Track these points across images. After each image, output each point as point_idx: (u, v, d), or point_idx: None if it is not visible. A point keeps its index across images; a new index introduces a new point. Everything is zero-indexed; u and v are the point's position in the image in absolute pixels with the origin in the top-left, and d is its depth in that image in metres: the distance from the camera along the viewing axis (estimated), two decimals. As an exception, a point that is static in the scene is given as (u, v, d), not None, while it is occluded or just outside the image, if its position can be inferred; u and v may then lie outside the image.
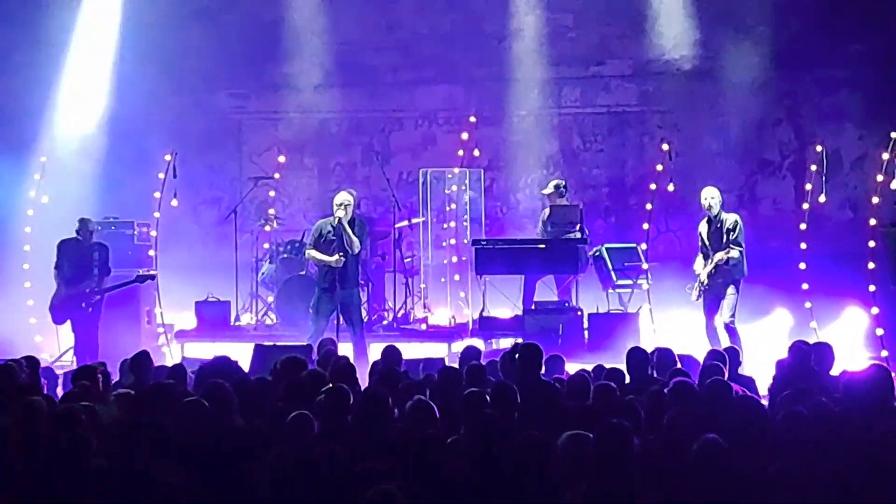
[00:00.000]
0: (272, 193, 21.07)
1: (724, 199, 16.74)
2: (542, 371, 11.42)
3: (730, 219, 16.31)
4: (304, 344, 14.98)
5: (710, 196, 16.33)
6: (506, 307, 18.04)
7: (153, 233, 19.00)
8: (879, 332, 17.58)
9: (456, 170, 19.96)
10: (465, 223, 19.82)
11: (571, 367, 12.58)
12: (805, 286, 18.31)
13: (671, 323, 17.52)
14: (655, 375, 11.44)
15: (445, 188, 20.10)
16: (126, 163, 19.94)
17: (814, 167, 18.71)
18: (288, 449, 8.39)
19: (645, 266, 18.14)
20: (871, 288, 17.97)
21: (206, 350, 16.75)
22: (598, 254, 18.09)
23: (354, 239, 16.00)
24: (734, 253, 16.02)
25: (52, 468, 8.23)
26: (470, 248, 18.60)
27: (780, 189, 20.60)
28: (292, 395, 10.30)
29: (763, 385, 11.86)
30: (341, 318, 16.19)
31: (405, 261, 18.77)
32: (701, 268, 16.29)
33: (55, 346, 18.51)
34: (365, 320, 16.93)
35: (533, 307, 17.58)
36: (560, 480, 7.69)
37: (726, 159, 20.59)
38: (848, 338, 17.44)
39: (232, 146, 22.04)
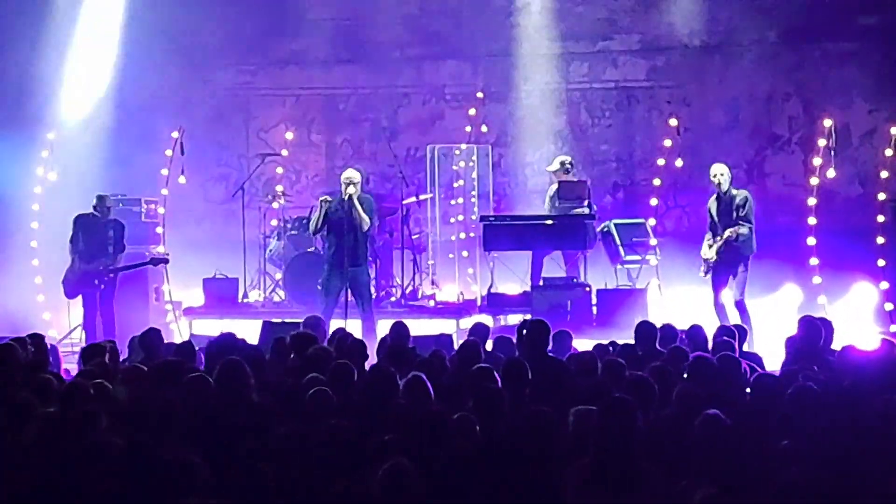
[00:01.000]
0: (280, 170, 21.05)
1: (733, 175, 16.71)
2: (550, 347, 11.41)
3: (739, 195, 16.27)
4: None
5: (720, 172, 16.29)
6: (514, 283, 18.04)
7: (161, 210, 19.01)
8: (889, 306, 17.59)
9: (463, 146, 19.96)
10: (472, 199, 19.83)
11: (579, 343, 12.59)
12: (814, 261, 18.30)
13: (679, 298, 17.50)
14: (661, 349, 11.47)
15: (453, 164, 20.09)
16: (134, 140, 19.93)
17: (822, 142, 18.68)
18: (295, 425, 8.40)
19: (653, 242, 18.12)
20: (881, 263, 17.99)
21: (214, 327, 16.75)
22: (606, 229, 18.07)
23: (364, 216, 15.97)
24: (743, 230, 15.98)
25: (61, 445, 8.23)
26: (478, 224, 18.60)
27: (788, 164, 20.55)
28: (300, 370, 10.30)
29: (770, 362, 11.85)
30: (350, 295, 16.19)
31: (413, 237, 18.75)
32: (710, 244, 16.26)
33: (64, 324, 18.54)
34: (373, 297, 16.91)
35: (541, 283, 17.57)
36: (565, 455, 7.69)
37: (735, 134, 20.54)
38: (857, 313, 17.44)
39: (239, 122, 22.02)
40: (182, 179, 18.86)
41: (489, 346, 11.98)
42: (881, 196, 18.49)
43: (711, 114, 20.60)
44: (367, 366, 10.83)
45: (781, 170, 20.59)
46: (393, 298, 18.27)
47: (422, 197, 19.49)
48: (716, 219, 16.27)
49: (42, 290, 19.42)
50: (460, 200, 19.67)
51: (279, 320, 15.68)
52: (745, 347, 12.31)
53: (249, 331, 14.17)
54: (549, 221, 17.64)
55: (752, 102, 20.50)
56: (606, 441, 7.40)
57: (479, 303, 18.01)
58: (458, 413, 8.38)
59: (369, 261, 16.97)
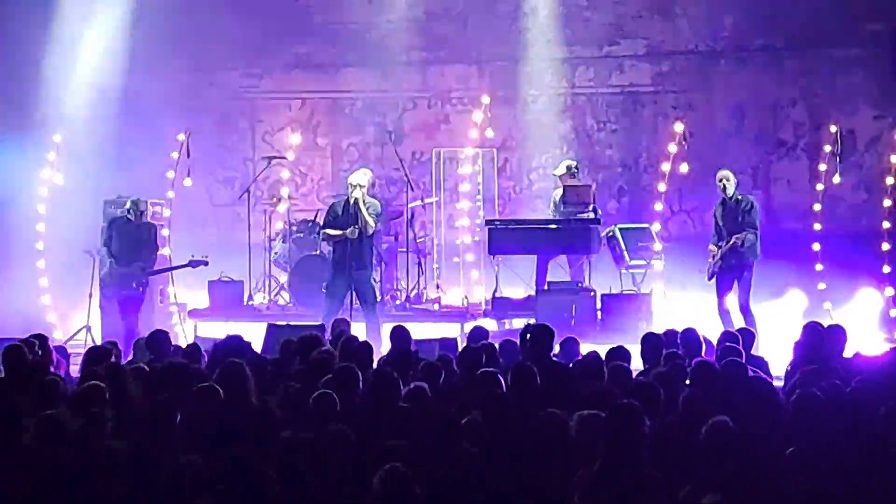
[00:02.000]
0: (285, 173, 21.06)
1: (739, 180, 16.73)
2: (556, 352, 11.42)
3: (745, 200, 16.30)
4: (318, 324, 14.98)
5: (725, 178, 16.33)
6: (518, 287, 18.04)
7: (167, 212, 19.02)
8: (894, 313, 17.58)
9: (469, 150, 19.94)
10: (478, 203, 19.81)
11: (584, 349, 12.57)
12: (819, 267, 18.31)
13: (684, 304, 17.50)
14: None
15: (459, 168, 20.10)
16: (140, 142, 19.92)
17: (828, 148, 18.69)
18: (299, 429, 8.41)
19: (658, 247, 18.12)
20: (886, 269, 17.98)
21: (219, 329, 16.77)
22: (611, 234, 18.07)
23: (370, 220, 15.99)
24: (750, 236, 16.00)
25: (66, 447, 8.24)
26: (483, 228, 18.61)
27: (794, 170, 20.52)
28: (305, 374, 10.31)
29: (776, 367, 11.85)
30: (355, 298, 16.22)
31: (418, 241, 18.76)
32: (715, 250, 16.28)
33: (69, 326, 18.58)
34: (378, 300, 16.92)
35: (546, 287, 17.57)
36: (572, 460, 7.70)
37: (740, 140, 20.52)
38: (862, 319, 17.43)
39: (245, 126, 22.02)
40: (188, 182, 18.87)
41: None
42: (886, 202, 18.50)
43: (717, 119, 20.59)
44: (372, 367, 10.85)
45: (787, 175, 20.56)
46: (398, 302, 18.28)
47: (427, 201, 19.51)
48: (721, 224, 16.30)
49: (48, 292, 19.44)
50: (466, 204, 19.66)
51: (284, 323, 15.70)
52: (752, 352, 12.28)
53: (254, 333, 14.17)
54: (555, 226, 17.65)
55: (758, 108, 20.49)
56: (614, 447, 7.41)
57: (483, 306, 18.01)
58: (466, 417, 8.39)
59: (374, 264, 16.99)
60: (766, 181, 20.51)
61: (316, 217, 18.75)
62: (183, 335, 17.70)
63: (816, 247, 18.43)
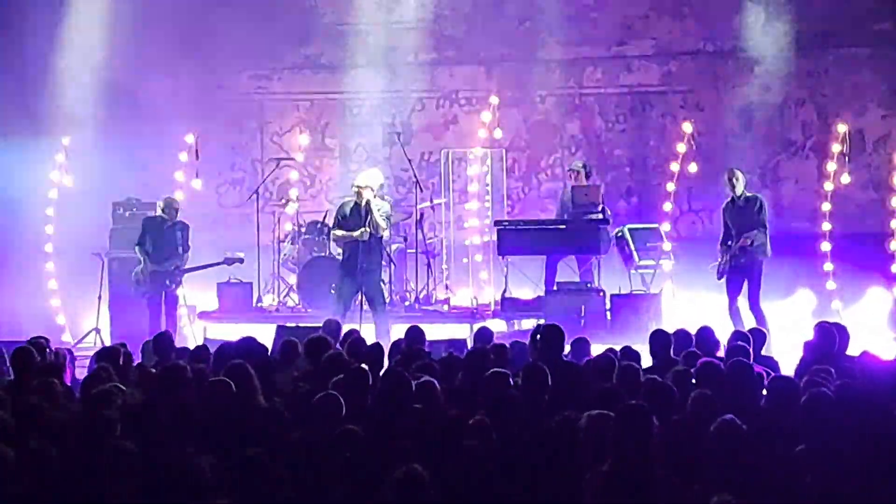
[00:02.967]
0: (294, 174, 21.07)
1: (747, 180, 16.72)
2: (567, 352, 11.41)
3: (753, 199, 16.30)
4: (327, 325, 14.96)
5: (734, 177, 16.33)
6: (528, 288, 18.04)
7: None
8: (902, 312, 17.55)
9: (477, 150, 19.94)
10: (486, 204, 19.81)
11: (593, 349, 12.57)
12: (828, 267, 18.30)
13: (694, 303, 17.49)
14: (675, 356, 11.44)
15: (467, 169, 20.09)
16: (148, 144, 19.94)
17: (836, 147, 18.67)
18: (309, 430, 8.41)
19: (667, 247, 18.12)
20: (894, 268, 17.94)
21: (228, 331, 16.80)
22: (620, 234, 18.07)
23: (380, 221, 16.01)
24: (759, 235, 16.00)
25: (75, 449, 8.25)
26: (492, 228, 18.61)
27: (802, 169, 20.50)
28: (314, 375, 10.32)
29: (785, 366, 11.84)
30: (364, 300, 16.22)
31: (427, 242, 18.76)
32: (724, 248, 16.27)
33: (78, 328, 18.61)
34: (387, 301, 16.93)
35: (555, 288, 17.58)
36: (582, 461, 7.70)
37: (749, 139, 20.48)
38: (871, 318, 17.42)
39: (254, 127, 22.01)
40: (196, 183, 18.91)
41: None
42: (895, 201, 18.48)
43: (725, 119, 20.55)
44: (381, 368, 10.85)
45: (795, 175, 20.54)
46: (407, 303, 18.28)
47: (436, 201, 19.51)
48: (730, 223, 16.30)
49: (57, 294, 19.47)
50: (474, 205, 19.66)
51: (293, 324, 15.70)
52: (763, 351, 12.28)
53: (263, 335, 14.17)
54: (564, 226, 17.65)
55: (766, 107, 20.44)
56: (623, 447, 7.41)
57: (492, 307, 18.02)
58: (475, 418, 8.39)
59: (383, 265, 17.00)
60: (774, 181, 20.49)
61: (325, 218, 18.75)
62: (192, 337, 17.71)
63: (825, 246, 18.43)
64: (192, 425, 8.88)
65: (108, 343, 16.60)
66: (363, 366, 9.96)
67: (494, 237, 18.22)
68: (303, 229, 18.96)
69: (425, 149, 21.36)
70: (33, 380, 10.16)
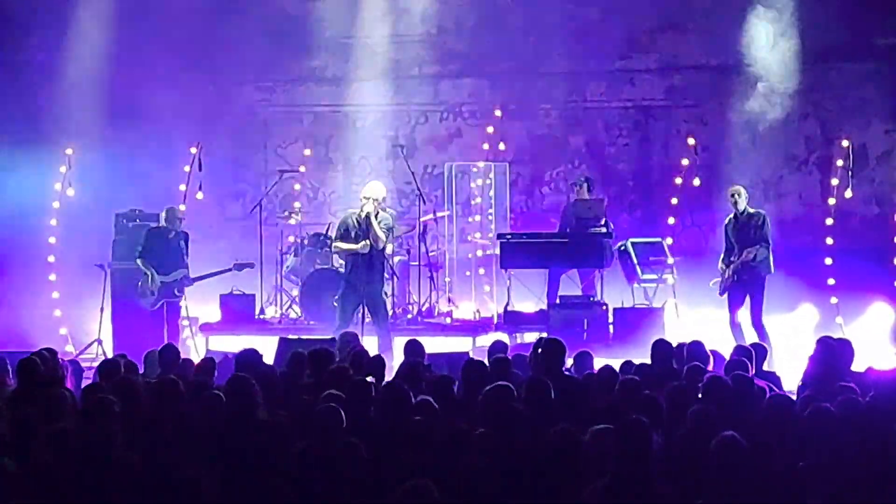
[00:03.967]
0: (297, 187, 21.08)
1: (750, 194, 16.73)
2: (569, 366, 11.40)
3: (756, 215, 16.31)
4: (329, 337, 14.96)
5: (736, 193, 16.34)
6: (530, 301, 18.04)
7: (178, 225, 19.03)
8: (906, 327, 17.54)
9: (481, 163, 19.95)
10: (490, 217, 19.82)
11: (596, 363, 12.56)
12: (831, 281, 18.30)
13: (696, 318, 17.49)
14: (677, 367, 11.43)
15: (471, 182, 20.10)
16: (151, 156, 19.96)
17: (840, 162, 18.68)
18: (312, 442, 8.40)
19: (670, 261, 18.12)
20: (898, 283, 17.95)
21: (230, 343, 16.79)
22: (623, 248, 18.08)
23: (380, 234, 16.00)
24: (762, 250, 16.00)
25: (77, 461, 8.24)
26: (495, 241, 18.61)
27: (805, 184, 20.50)
28: (317, 388, 10.30)
29: (788, 381, 11.83)
30: (366, 312, 16.22)
31: (430, 254, 18.76)
32: (726, 264, 16.27)
33: (80, 339, 18.60)
34: (390, 314, 16.92)
35: (558, 301, 17.58)
36: (583, 475, 7.70)
37: (752, 154, 20.47)
38: (874, 333, 17.41)
39: (257, 139, 22.02)
40: (199, 195, 18.92)
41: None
42: (898, 216, 18.50)
43: (728, 133, 20.55)
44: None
45: (798, 190, 20.54)
46: (409, 316, 18.28)
47: (439, 214, 19.52)
48: (732, 238, 16.30)
49: (59, 305, 19.48)
50: (477, 218, 19.69)
51: (296, 337, 15.70)
52: (765, 367, 12.27)
53: (266, 347, 14.16)
54: (566, 240, 17.65)
55: (770, 122, 20.42)
56: (623, 462, 7.40)
57: (495, 320, 18.01)
58: (479, 431, 8.38)
59: (386, 278, 17.00)
60: (777, 195, 20.48)
61: (327, 231, 18.76)
62: (195, 349, 17.71)
63: (828, 261, 18.43)
64: (193, 438, 8.86)
65: (109, 354, 16.61)
66: (369, 378, 9.96)
67: (497, 250, 18.21)
68: (305, 241, 18.96)
69: (429, 162, 21.37)
70: (37, 391, 10.16)
